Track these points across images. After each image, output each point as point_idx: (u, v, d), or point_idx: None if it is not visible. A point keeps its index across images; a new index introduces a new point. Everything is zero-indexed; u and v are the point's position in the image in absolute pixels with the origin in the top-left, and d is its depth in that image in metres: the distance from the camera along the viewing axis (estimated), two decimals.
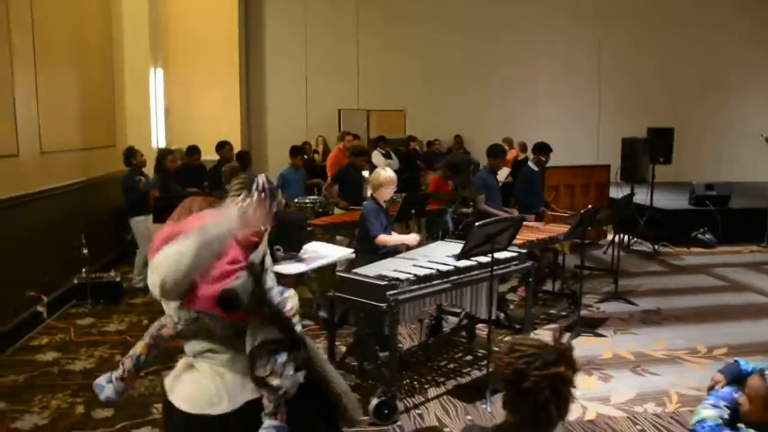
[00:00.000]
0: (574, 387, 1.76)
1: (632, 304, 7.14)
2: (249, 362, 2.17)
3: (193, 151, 8.70)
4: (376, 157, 11.93)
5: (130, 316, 6.75)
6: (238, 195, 2.18)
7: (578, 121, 15.82)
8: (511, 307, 6.68)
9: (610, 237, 9.98)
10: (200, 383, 2.17)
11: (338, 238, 7.93)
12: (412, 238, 5.24)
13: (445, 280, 4.51)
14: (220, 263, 2.10)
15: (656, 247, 10.11)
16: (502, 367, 1.79)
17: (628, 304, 7.14)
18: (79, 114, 7.92)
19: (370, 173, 9.58)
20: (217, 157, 9.12)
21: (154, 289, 2.19)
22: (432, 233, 8.15)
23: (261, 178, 2.20)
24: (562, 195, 9.77)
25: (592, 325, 6.36)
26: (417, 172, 12.57)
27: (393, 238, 5.30)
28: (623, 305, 7.12)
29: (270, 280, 2.23)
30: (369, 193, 5.64)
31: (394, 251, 5.33)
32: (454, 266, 4.59)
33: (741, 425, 2.30)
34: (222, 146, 9.05)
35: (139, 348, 2.32)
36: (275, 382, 2.16)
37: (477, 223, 4.32)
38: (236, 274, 2.13)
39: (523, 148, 12.15)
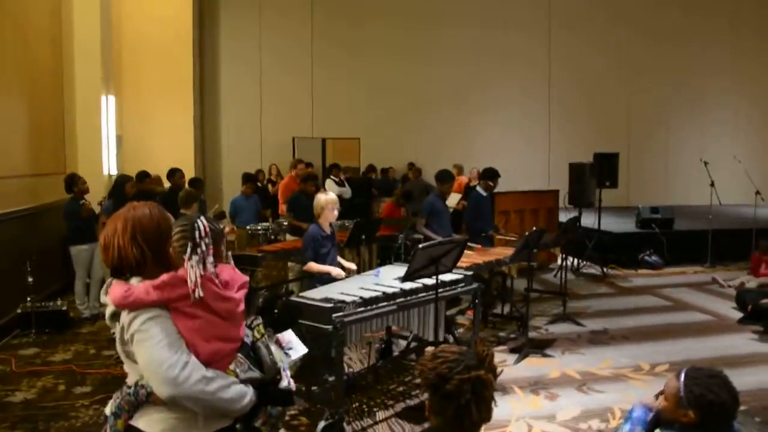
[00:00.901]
0: (495, 390, 1.83)
1: (580, 325, 7.28)
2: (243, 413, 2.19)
3: (143, 176, 8.63)
4: (330, 184, 11.98)
5: (76, 345, 6.60)
6: (181, 247, 2.15)
7: (530, 146, 16.17)
8: (461, 330, 6.74)
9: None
10: (172, 409, 2.13)
11: (290, 264, 7.94)
12: (337, 271, 5.20)
13: (392, 302, 4.57)
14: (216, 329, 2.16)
15: (605, 269, 10.34)
16: (425, 373, 1.86)
17: (576, 326, 7.28)
18: (26, 139, 7.80)
19: None
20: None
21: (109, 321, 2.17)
22: (384, 258, 8.21)
23: (200, 223, 2.16)
24: (512, 220, 9.95)
25: (540, 346, 6.46)
26: (370, 199, 12.67)
27: (319, 267, 5.28)
28: (571, 326, 7.26)
29: (277, 354, 2.32)
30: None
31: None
32: (400, 288, 4.65)
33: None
34: (173, 173, 8.94)
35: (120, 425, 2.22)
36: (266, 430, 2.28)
37: (420, 245, 4.38)
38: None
39: (479, 175, 12.41)
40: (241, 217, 8.57)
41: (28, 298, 6.92)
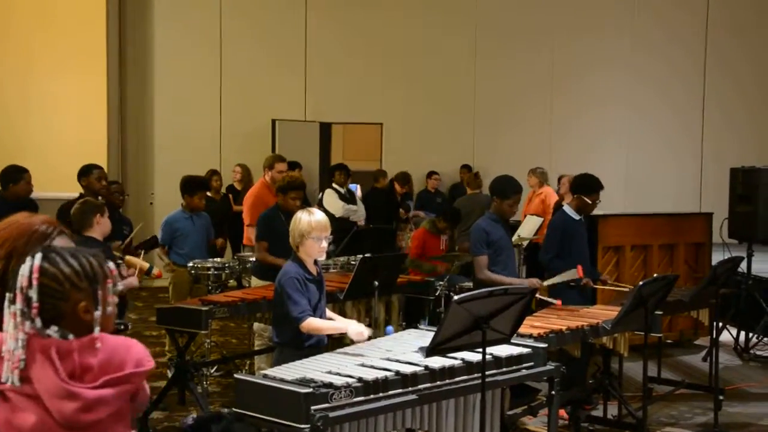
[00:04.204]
0: None
1: None
2: None
3: (17, 173, 8.67)
4: (330, 198, 12.08)
5: None
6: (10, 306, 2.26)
7: (662, 141, 16.20)
8: None
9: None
10: None
11: (256, 326, 8.05)
12: (355, 330, 5.32)
13: (411, 388, 4.61)
14: None
15: None
16: None
17: None
18: None
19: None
20: (64, 193, 9.18)
21: None
22: (411, 320, 8.26)
23: (29, 265, 2.24)
24: (627, 261, 9.93)
25: None
26: (396, 222, 12.77)
27: (329, 324, 5.40)
28: None
29: None
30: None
31: (331, 343, 5.46)
32: (425, 366, 4.70)
33: None
34: (87, 172, 8.82)
35: None
36: None
37: (456, 297, 4.44)
38: None
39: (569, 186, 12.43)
40: (182, 246, 8.70)
41: None
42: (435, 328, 5.66)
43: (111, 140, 13.62)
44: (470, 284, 8.46)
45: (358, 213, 12.31)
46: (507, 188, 7.30)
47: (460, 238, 10.08)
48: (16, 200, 8.32)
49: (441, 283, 8.38)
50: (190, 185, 8.90)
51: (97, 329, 2.34)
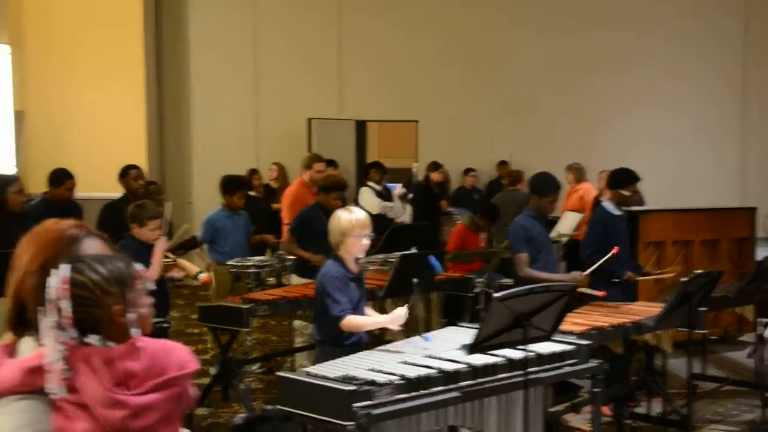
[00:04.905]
0: None
1: None
2: None
3: (61, 177, 8.70)
4: (366, 196, 12.10)
5: None
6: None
7: (702, 134, 16.08)
8: None
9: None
10: None
11: (297, 323, 8.08)
12: (397, 321, 5.35)
13: (453, 386, 4.61)
14: None
15: None
16: None
17: None
18: None
19: None
20: (108, 194, 9.28)
21: None
22: (451, 317, 8.26)
23: (57, 277, 2.24)
24: (668, 256, 9.87)
25: None
26: (438, 219, 12.75)
27: (369, 320, 5.43)
28: None
29: None
30: None
31: (372, 340, 5.48)
32: (467, 364, 4.70)
33: None
34: (126, 172, 9.19)
35: None
36: None
37: (497, 295, 4.44)
38: None
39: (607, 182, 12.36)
40: (222, 245, 8.74)
41: None
42: (474, 326, 5.69)
43: (150, 142, 13.75)
44: (509, 281, 8.47)
45: (395, 210, 12.33)
46: (546, 185, 7.29)
47: (497, 236, 10.04)
48: (58, 203, 8.44)
49: (480, 280, 8.36)
50: (230, 185, 8.96)
51: (135, 332, 2.36)
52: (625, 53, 16.02)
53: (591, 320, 6.14)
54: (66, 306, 2.22)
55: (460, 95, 15.45)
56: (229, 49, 14.86)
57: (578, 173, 12.73)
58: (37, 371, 2.20)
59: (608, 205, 7.75)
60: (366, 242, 5.53)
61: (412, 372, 4.56)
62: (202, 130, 14.76)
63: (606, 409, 6.82)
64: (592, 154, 14.51)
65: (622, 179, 7.72)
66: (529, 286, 4.63)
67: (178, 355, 2.35)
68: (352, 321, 5.37)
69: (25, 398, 2.21)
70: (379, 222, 11.13)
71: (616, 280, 7.36)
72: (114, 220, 7.62)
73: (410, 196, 13.63)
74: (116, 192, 9.37)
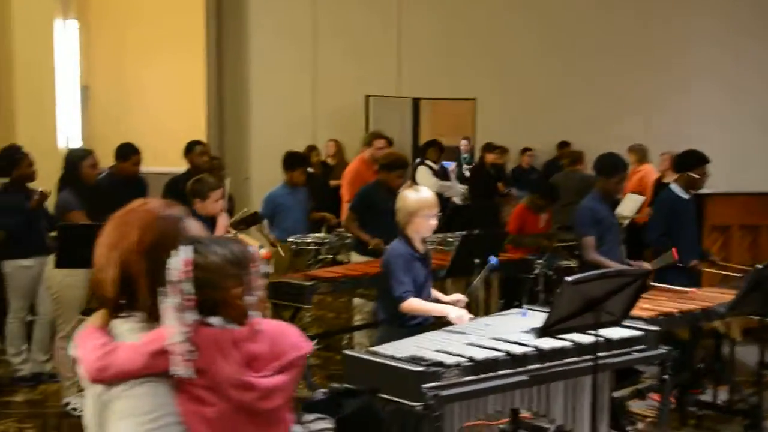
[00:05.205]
0: None
1: None
2: None
3: (128, 152, 8.74)
4: (423, 174, 12.08)
5: (5, 423, 6.83)
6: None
7: (765, 120, 15.82)
8: (639, 426, 6.68)
9: None
10: None
11: (356, 301, 8.11)
12: (457, 313, 5.29)
13: (520, 369, 4.60)
14: None
15: None
16: None
17: None
18: None
19: None
20: (168, 168, 9.38)
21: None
22: (510, 299, 8.25)
23: (179, 258, 2.26)
24: (735, 241, 9.75)
25: None
26: (496, 200, 12.71)
27: (429, 306, 5.39)
28: None
29: None
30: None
31: (436, 321, 5.47)
32: (535, 347, 4.69)
33: None
34: (191, 148, 9.35)
35: None
36: None
37: (568, 278, 4.42)
38: None
39: (672, 163, 12.21)
40: (284, 221, 8.80)
41: None
42: (538, 308, 5.68)
43: (210, 119, 13.85)
44: (571, 264, 8.44)
45: (453, 190, 12.31)
46: (613, 166, 7.23)
47: (556, 216, 9.98)
48: (124, 177, 8.54)
49: (540, 262, 8.34)
50: (291, 161, 9.02)
51: (254, 315, 2.38)
52: (684, 36, 15.80)
53: (659, 306, 6.07)
54: (188, 287, 2.23)
55: (519, 74, 15.28)
56: (288, 26, 14.80)
57: (640, 154, 12.62)
58: (160, 354, 2.21)
59: (676, 187, 7.67)
60: (433, 222, 5.52)
61: (480, 354, 4.54)
62: (260, 107, 14.74)
63: (658, 396, 6.79)
64: (652, 135, 14.34)
65: (691, 161, 7.64)
66: (602, 270, 4.61)
67: (293, 337, 2.38)
68: (413, 304, 5.37)
69: (150, 381, 2.23)
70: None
71: (683, 265, 7.30)
72: (178, 195, 7.68)
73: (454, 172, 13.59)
74: (175, 167, 9.54)
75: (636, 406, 7.07)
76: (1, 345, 8.28)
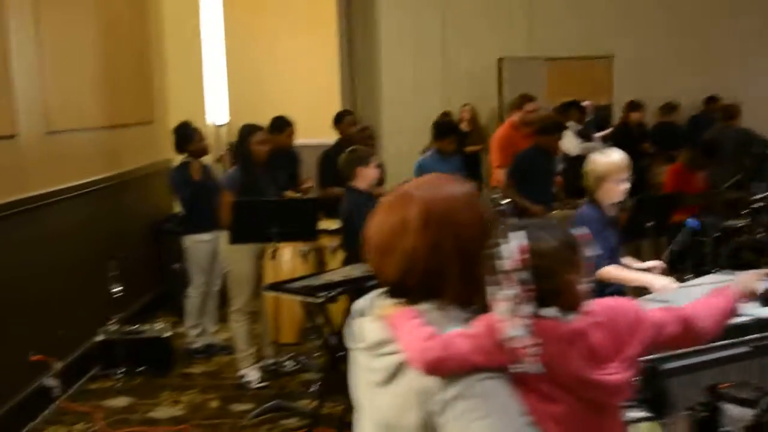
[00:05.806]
0: None
1: None
2: None
3: (282, 124, 8.90)
4: (566, 137, 11.83)
5: (189, 393, 6.97)
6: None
7: None
8: None
9: None
10: None
11: None
12: (660, 283, 5.02)
13: (738, 339, 4.34)
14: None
15: None
16: None
17: None
18: (99, 74, 8.30)
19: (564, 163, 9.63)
20: (307, 140, 9.51)
21: None
22: (674, 261, 7.99)
23: (513, 245, 2.04)
24: None
25: None
26: (644, 160, 12.35)
27: (630, 275, 5.18)
28: None
29: None
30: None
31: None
32: (754, 316, 4.40)
33: None
34: (341, 118, 9.61)
35: None
36: None
37: None
38: None
39: None
40: None
41: (113, 318, 7.40)
42: (731, 273, 5.40)
43: (344, 94, 14.06)
44: (737, 223, 8.18)
45: (596, 150, 12.02)
46: None
47: (716, 174, 9.67)
48: (279, 150, 8.48)
49: (705, 222, 8.04)
50: (441, 129, 8.90)
51: (587, 304, 2.21)
52: None
53: None
54: (526, 277, 2.03)
55: (658, 30, 14.83)
56: None
57: None
58: (499, 347, 2.02)
59: None
60: (624, 186, 5.32)
61: None
62: (390, 74, 14.64)
63: None
64: None
65: None
66: None
67: (628, 314, 2.23)
68: (611, 272, 5.17)
69: (492, 377, 2.04)
70: (580, 164, 10.93)
71: None
72: (334, 167, 7.64)
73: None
74: (313, 138, 10.04)
75: None
76: (175, 318, 8.59)
